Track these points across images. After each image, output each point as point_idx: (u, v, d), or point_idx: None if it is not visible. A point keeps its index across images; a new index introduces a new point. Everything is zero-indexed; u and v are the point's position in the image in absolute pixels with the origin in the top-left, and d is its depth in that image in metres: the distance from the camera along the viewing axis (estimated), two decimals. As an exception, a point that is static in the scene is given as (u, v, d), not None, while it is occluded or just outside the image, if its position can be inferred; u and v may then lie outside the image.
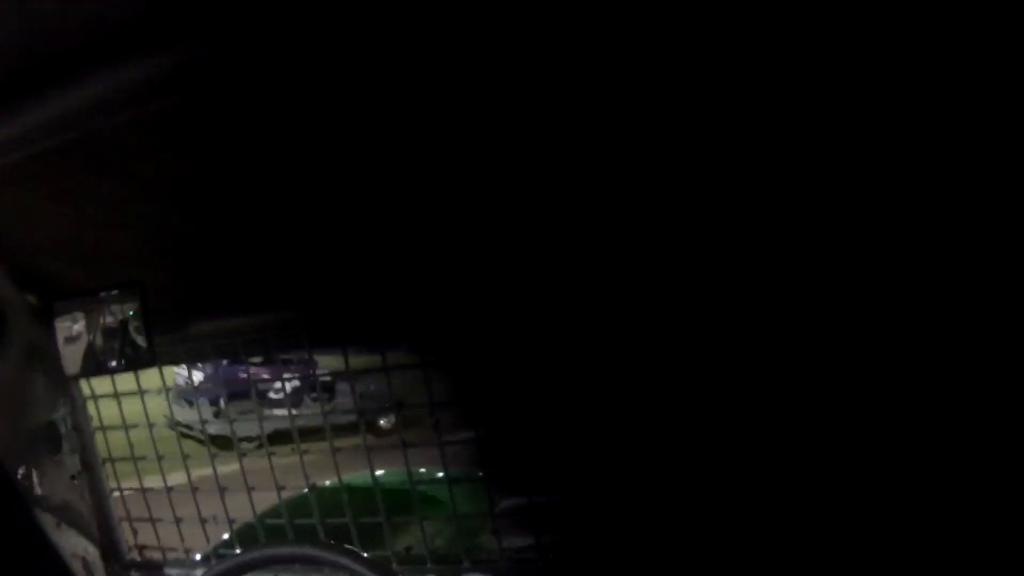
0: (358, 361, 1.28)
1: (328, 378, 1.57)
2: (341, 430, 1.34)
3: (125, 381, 1.41)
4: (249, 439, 1.48)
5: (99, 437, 1.46)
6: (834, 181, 0.83)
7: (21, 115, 0.77)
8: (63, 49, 0.70)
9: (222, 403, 1.64)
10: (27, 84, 0.73)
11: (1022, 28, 0.64)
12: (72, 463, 1.38)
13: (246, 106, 0.86)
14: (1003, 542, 0.86)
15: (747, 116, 0.80)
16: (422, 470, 1.32)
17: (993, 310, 0.82)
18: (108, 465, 1.46)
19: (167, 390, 1.41)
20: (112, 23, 0.67)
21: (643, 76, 0.79)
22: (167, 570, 1.46)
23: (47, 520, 1.21)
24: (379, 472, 1.32)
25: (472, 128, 0.89)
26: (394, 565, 1.29)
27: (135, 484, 1.47)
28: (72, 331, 1.27)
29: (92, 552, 1.39)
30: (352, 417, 1.32)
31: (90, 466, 1.43)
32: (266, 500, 1.42)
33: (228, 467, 1.40)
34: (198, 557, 1.46)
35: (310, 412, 1.37)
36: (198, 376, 1.74)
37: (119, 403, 1.44)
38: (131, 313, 1.22)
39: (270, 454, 1.36)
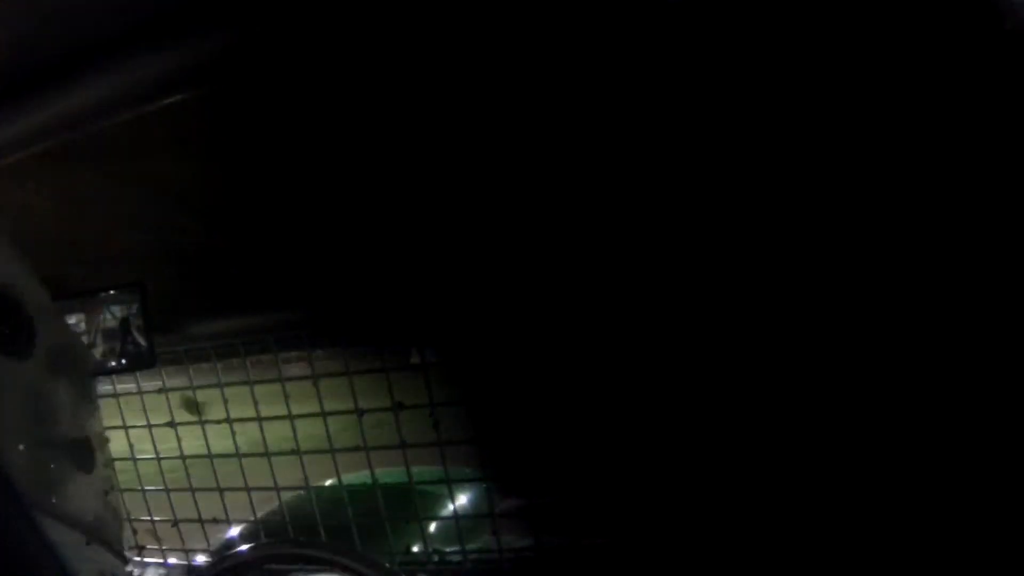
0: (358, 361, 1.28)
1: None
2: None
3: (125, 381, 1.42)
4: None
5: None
6: (832, 182, 0.84)
7: (22, 114, 0.77)
8: (65, 47, 0.70)
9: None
10: (29, 83, 0.73)
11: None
12: (104, 479, 1.36)
13: (249, 105, 0.86)
14: (1003, 542, 0.86)
15: (747, 116, 0.80)
16: (422, 470, 1.32)
17: (992, 311, 0.82)
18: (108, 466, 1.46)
19: (167, 390, 1.41)
20: (115, 21, 0.67)
21: (642, 77, 0.79)
22: (166, 571, 1.46)
23: (73, 537, 1.18)
24: (379, 472, 1.32)
25: (469, 129, 0.89)
26: (395, 565, 1.29)
27: (135, 484, 1.47)
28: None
29: (113, 562, 1.38)
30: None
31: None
32: (266, 500, 1.42)
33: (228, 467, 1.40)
34: (198, 558, 1.46)
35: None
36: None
37: (119, 404, 1.44)
38: (131, 313, 1.22)
39: (270, 454, 1.36)
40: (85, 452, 1.19)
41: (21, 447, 1.04)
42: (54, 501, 1.11)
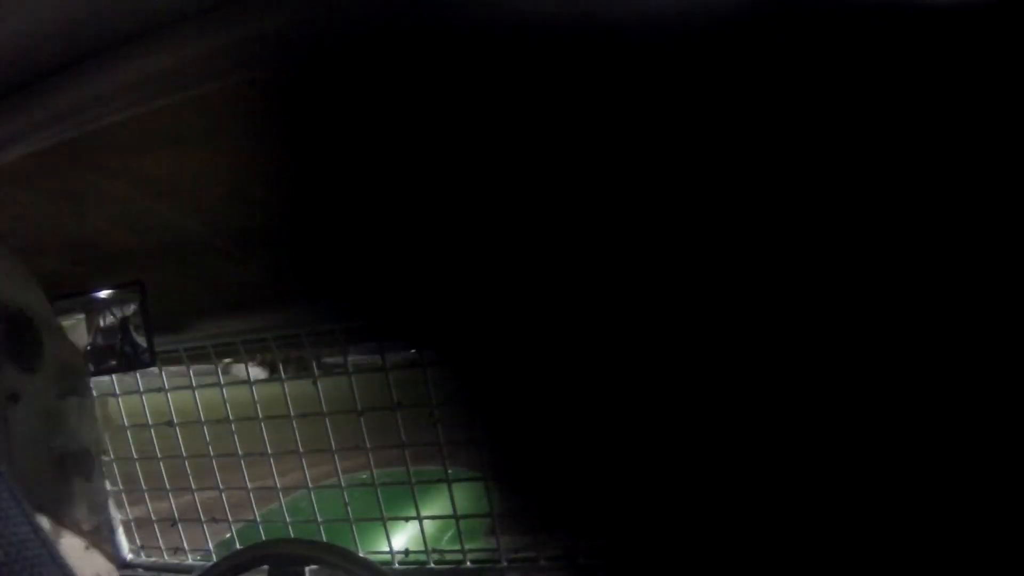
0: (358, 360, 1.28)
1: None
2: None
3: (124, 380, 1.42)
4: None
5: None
6: (832, 181, 0.84)
7: (22, 112, 0.77)
8: (65, 46, 0.70)
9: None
10: (28, 80, 0.73)
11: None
12: (102, 488, 1.38)
13: (249, 104, 0.86)
14: (1003, 542, 0.86)
15: (747, 115, 0.80)
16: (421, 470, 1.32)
17: (992, 311, 0.82)
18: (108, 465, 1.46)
19: (167, 390, 1.41)
20: (115, 18, 0.67)
21: (644, 78, 0.79)
22: (167, 571, 1.46)
23: (73, 542, 1.20)
24: (379, 472, 1.32)
25: (471, 127, 0.89)
26: (395, 565, 1.29)
27: (135, 484, 1.47)
28: (71, 331, 1.27)
29: (108, 567, 1.39)
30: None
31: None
32: (266, 500, 1.42)
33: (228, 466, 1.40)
34: (198, 557, 1.46)
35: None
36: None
37: (119, 403, 1.44)
38: (131, 313, 1.22)
39: (270, 454, 1.36)
40: (86, 462, 1.21)
41: (29, 455, 1.08)
42: (57, 508, 1.14)
